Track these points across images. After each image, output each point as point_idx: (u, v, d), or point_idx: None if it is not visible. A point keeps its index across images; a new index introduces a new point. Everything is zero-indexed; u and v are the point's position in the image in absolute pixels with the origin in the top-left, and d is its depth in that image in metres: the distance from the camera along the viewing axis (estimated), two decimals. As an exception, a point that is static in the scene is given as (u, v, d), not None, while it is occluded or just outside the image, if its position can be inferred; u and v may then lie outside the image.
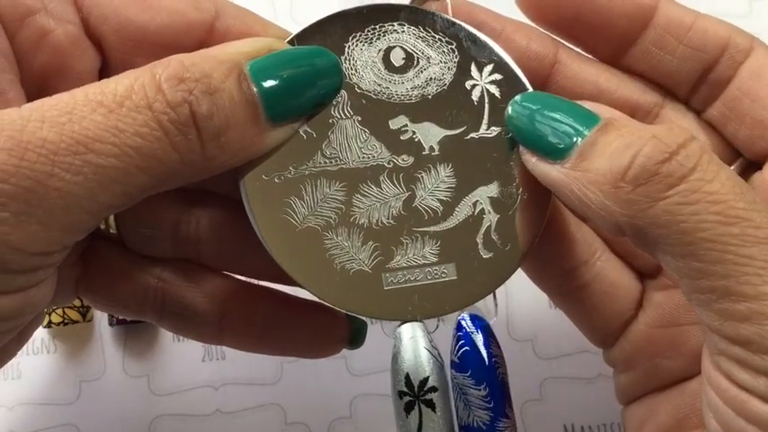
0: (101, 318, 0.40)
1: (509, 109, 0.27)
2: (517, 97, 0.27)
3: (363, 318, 0.27)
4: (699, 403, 0.27)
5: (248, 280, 0.32)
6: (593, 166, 0.24)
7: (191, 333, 0.32)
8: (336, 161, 0.27)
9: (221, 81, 0.24)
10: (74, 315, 0.39)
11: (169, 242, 0.30)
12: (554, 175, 0.25)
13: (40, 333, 0.40)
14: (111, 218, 0.30)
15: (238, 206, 0.27)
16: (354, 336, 0.32)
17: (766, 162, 0.28)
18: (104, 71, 0.28)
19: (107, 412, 0.39)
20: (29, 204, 0.22)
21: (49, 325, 0.39)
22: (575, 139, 0.25)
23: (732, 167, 0.29)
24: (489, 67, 0.28)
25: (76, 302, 0.40)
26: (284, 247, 0.27)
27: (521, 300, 0.41)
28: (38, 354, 0.40)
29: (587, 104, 0.26)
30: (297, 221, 0.27)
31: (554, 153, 0.25)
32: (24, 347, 0.40)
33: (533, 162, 0.26)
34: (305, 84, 0.26)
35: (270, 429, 0.40)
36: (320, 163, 0.27)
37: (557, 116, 0.25)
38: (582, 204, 0.24)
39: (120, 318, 0.39)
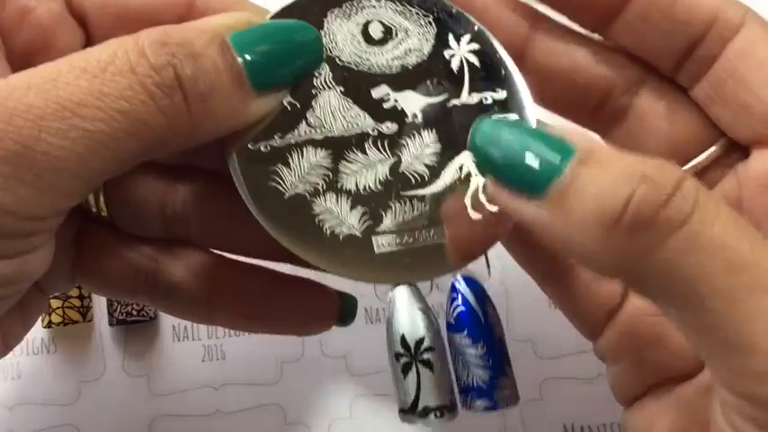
0: (101, 318, 0.40)
1: (473, 135, 0.25)
2: (481, 123, 0.24)
3: (356, 281, 0.27)
4: (696, 414, 0.27)
5: (238, 258, 0.32)
6: (578, 207, 0.22)
7: (182, 312, 0.32)
8: (321, 130, 0.27)
9: (204, 48, 0.24)
10: (74, 315, 0.39)
11: (158, 221, 0.30)
12: (531, 213, 0.23)
13: (40, 333, 0.40)
14: (102, 200, 0.30)
15: (226, 181, 0.27)
16: (345, 312, 0.32)
17: (752, 151, 0.27)
18: (89, 46, 0.28)
19: (107, 412, 0.39)
20: (18, 168, 0.22)
21: (49, 325, 0.39)
22: (552, 173, 0.22)
23: (713, 148, 0.28)
24: (467, 38, 0.28)
25: (76, 302, 0.40)
26: (273, 215, 0.27)
27: (521, 300, 0.41)
28: (38, 354, 0.40)
29: (561, 131, 0.24)
30: (285, 188, 0.27)
31: (528, 189, 0.23)
32: (24, 347, 0.40)
33: (504, 196, 0.24)
34: (287, 55, 0.27)
35: (270, 429, 0.40)
36: (305, 132, 0.27)
37: (528, 144, 0.23)
38: (564, 246, 0.23)
39: (121, 317, 0.39)
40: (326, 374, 0.40)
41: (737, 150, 0.28)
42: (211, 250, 0.32)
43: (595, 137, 0.30)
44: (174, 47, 0.24)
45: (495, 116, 0.26)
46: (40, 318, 0.39)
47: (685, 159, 0.28)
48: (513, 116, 0.28)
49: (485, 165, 0.25)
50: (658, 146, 0.28)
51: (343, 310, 0.32)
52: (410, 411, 0.26)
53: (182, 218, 0.30)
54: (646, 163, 0.22)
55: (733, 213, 0.22)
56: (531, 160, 0.23)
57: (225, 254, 0.32)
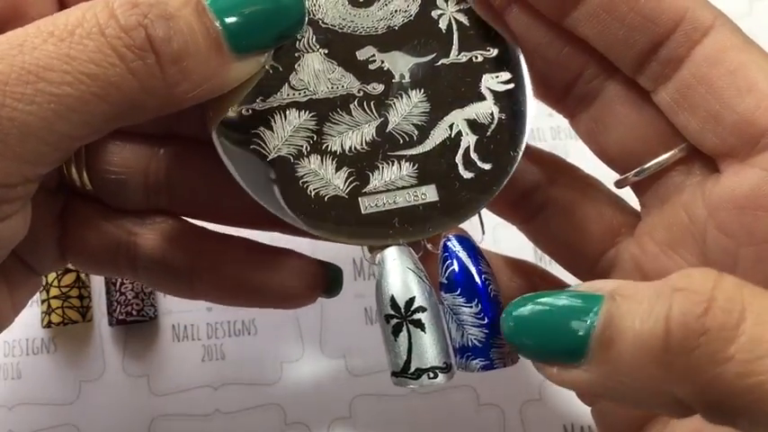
0: (101, 318, 0.40)
1: (504, 328, 0.24)
2: (506, 313, 0.23)
3: (344, 243, 0.27)
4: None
5: (219, 230, 0.31)
6: (623, 351, 0.20)
7: (165, 287, 0.32)
8: (305, 92, 0.27)
9: (177, 9, 0.24)
10: (74, 315, 0.39)
11: (141, 192, 0.30)
12: (583, 380, 0.21)
13: (40, 333, 0.40)
14: (85, 174, 0.30)
15: (208, 147, 0.27)
16: (330, 283, 0.31)
17: (722, 165, 0.26)
18: None
19: (107, 412, 0.39)
20: None
21: (48, 325, 0.39)
22: (585, 330, 0.21)
23: (675, 151, 0.27)
24: None
25: (76, 302, 0.40)
26: (256, 178, 0.26)
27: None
28: (38, 354, 0.40)
29: (586, 284, 0.23)
30: (267, 151, 0.26)
31: (570, 356, 0.22)
32: (24, 347, 0.40)
33: (555, 374, 0.22)
34: (267, 18, 0.26)
35: (270, 429, 0.40)
36: (288, 95, 0.27)
37: (555, 313, 0.22)
38: (633, 401, 0.21)
39: (121, 318, 0.39)
40: (326, 374, 0.40)
41: (702, 155, 0.26)
42: (193, 222, 0.31)
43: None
44: (146, 7, 0.23)
45: (519, 300, 0.23)
46: (40, 318, 0.39)
47: (652, 151, 0.27)
48: (516, 84, 0.27)
49: (524, 351, 0.24)
50: (625, 135, 0.28)
51: (329, 280, 0.31)
52: (402, 374, 0.26)
53: (165, 187, 0.30)
54: (671, 278, 0.21)
55: None
56: (568, 331, 0.21)
57: (209, 225, 0.31)
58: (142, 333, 0.41)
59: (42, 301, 0.40)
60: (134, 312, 0.40)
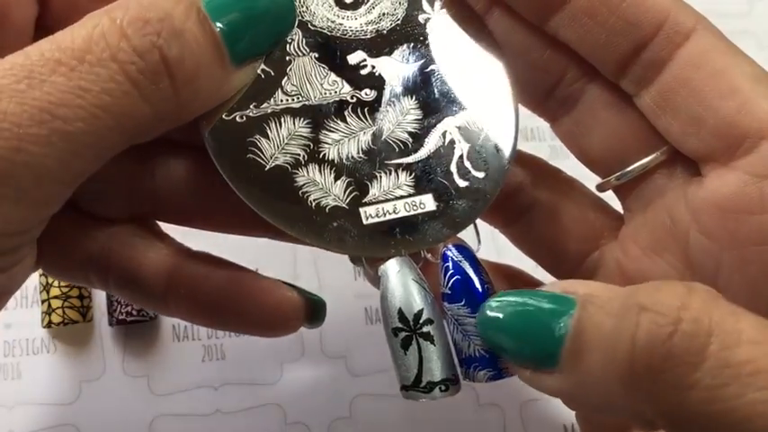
0: (101, 318, 0.40)
1: (479, 326, 0.24)
2: (481, 310, 0.24)
3: (346, 253, 0.27)
4: None
5: (199, 252, 0.30)
6: (592, 363, 0.20)
7: (137, 302, 0.30)
8: (298, 98, 0.27)
9: (183, 21, 0.22)
10: (74, 315, 0.39)
11: (124, 200, 0.28)
12: (554, 386, 0.21)
13: (40, 333, 0.40)
14: None
15: (198, 153, 0.26)
16: (312, 314, 0.30)
17: (704, 168, 0.26)
18: (42, 18, 0.26)
19: (107, 412, 0.39)
20: None
21: (48, 325, 0.39)
22: (557, 337, 0.21)
23: (657, 153, 0.27)
24: (439, 2, 0.28)
25: (76, 302, 0.40)
26: (253, 188, 0.26)
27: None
28: (38, 354, 0.40)
29: (561, 284, 0.22)
30: (264, 160, 0.26)
31: (543, 362, 0.21)
32: (24, 347, 0.40)
33: (528, 376, 0.22)
34: (261, 20, 0.25)
35: (270, 429, 0.40)
36: (282, 100, 0.27)
37: (529, 314, 0.22)
38: (600, 407, 0.22)
39: (121, 318, 0.39)
40: (326, 374, 0.40)
41: (685, 158, 0.26)
42: (174, 240, 0.30)
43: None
44: (157, 24, 0.22)
45: (495, 298, 0.24)
46: (41, 318, 0.39)
47: (634, 154, 0.27)
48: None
49: (500, 352, 0.24)
50: (607, 138, 0.27)
51: (311, 311, 0.30)
52: (413, 387, 0.25)
53: (150, 194, 0.28)
54: (639, 292, 0.20)
55: (756, 322, 0.20)
56: (541, 336, 0.21)
57: (196, 232, 0.30)
58: (142, 333, 0.41)
59: (42, 301, 0.40)
60: (134, 312, 0.40)
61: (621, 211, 0.29)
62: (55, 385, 0.40)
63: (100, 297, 0.41)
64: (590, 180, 0.29)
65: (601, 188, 0.28)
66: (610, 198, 0.29)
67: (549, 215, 0.29)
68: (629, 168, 0.27)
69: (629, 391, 0.20)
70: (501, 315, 0.23)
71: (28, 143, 0.21)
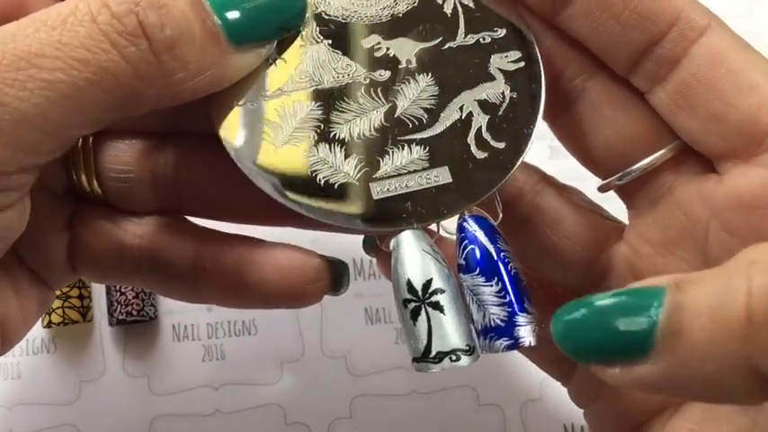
0: (101, 318, 0.40)
1: (554, 333, 0.22)
2: (555, 318, 0.22)
3: (357, 231, 0.27)
4: None
5: (223, 230, 0.31)
6: (695, 333, 0.19)
7: (170, 291, 0.31)
8: (310, 83, 0.27)
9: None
10: (74, 315, 0.39)
11: (150, 191, 0.30)
12: (650, 375, 0.20)
13: (40, 333, 0.40)
14: (95, 179, 0.30)
15: (216, 142, 0.27)
16: (336, 280, 0.30)
17: (723, 165, 0.26)
18: None
19: (107, 412, 0.39)
20: None
21: (49, 325, 0.39)
22: (649, 323, 0.20)
23: (663, 151, 0.27)
24: None
25: (76, 302, 0.40)
26: (264, 171, 0.26)
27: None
28: (38, 354, 0.40)
29: (638, 283, 0.21)
30: (275, 143, 0.26)
31: (634, 352, 0.20)
32: (24, 347, 0.40)
33: (618, 374, 0.21)
34: (266, 9, 0.26)
35: (270, 429, 0.40)
36: (293, 86, 0.27)
37: (612, 312, 0.21)
38: (698, 386, 0.20)
39: (121, 318, 0.39)
40: (326, 374, 0.40)
41: (692, 154, 0.26)
42: (194, 222, 0.31)
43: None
44: None
45: (568, 305, 0.22)
46: (40, 318, 0.39)
47: (639, 152, 0.27)
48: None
49: (580, 355, 0.22)
50: (611, 136, 0.27)
51: (335, 277, 0.30)
52: (423, 358, 0.25)
53: (173, 185, 0.30)
54: (741, 254, 0.20)
55: None
56: (627, 326, 0.20)
57: (215, 225, 0.31)
58: (142, 333, 0.41)
59: (43, 301, 0.40)
60: (134, 312, 0.40)
61: (614, 214, 0.29)
62: (55, 385, 0.40)
63: (100, 297, 0.41)
64: (590, 180, 0.29)
65: (604, 188, 0.28)
66: (610, 198, 0.29)
67: (552, 221, 0.29)
68: (636, 166, 0.27)
69: (745, 345, 0.19)
70: (579, 317, 0.21)
71: (4, 85, 0.22)
